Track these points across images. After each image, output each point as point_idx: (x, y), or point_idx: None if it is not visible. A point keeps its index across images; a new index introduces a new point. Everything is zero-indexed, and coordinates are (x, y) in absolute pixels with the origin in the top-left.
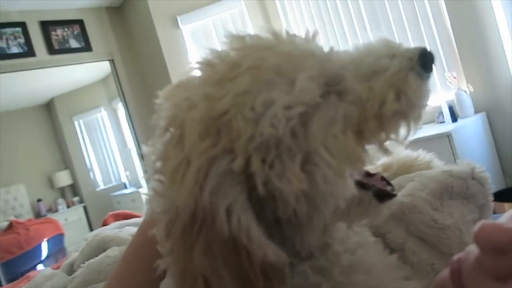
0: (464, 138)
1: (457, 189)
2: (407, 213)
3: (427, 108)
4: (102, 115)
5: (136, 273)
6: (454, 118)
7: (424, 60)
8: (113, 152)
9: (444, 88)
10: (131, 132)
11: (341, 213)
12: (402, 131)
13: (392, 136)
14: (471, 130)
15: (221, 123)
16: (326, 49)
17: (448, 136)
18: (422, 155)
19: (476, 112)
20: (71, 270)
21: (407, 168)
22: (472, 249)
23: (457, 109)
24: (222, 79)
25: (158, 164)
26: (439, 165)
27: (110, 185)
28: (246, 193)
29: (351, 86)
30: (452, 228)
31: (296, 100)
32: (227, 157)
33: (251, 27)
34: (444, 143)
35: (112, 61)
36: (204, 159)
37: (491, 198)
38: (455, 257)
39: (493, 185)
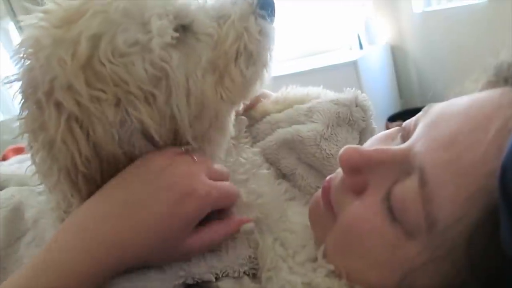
0: (369, 65)
1: (343, 115)
2: (298, 143)
3: (337, 34)
4: None
5: None
6: (361, 46)
7: (263, 4)
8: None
9: (354, 16)
10: None
11: None
12: (251, 70)
13: (242, 74)
14: (375, 57)
15: (96, 72)
16: None
17: (354, 63)
18: (311, 90)
19: (381, 41)
20: None
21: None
22: (340, 170)
23: (364, 38)
24: (66, 22)
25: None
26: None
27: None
28: None
29: (203, 26)
30: (335, 156)
31: (157, 41)
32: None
33: None
34: (350, 70)
35: None
36: (108, 110)
37: (372, 124)
38: (328, 177)
39: (388, 108)
